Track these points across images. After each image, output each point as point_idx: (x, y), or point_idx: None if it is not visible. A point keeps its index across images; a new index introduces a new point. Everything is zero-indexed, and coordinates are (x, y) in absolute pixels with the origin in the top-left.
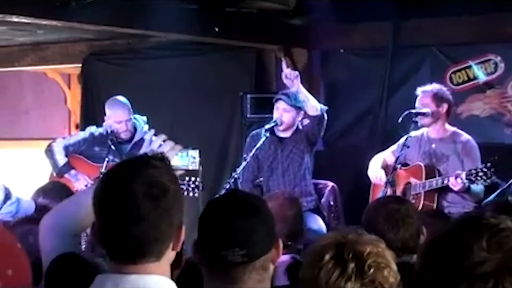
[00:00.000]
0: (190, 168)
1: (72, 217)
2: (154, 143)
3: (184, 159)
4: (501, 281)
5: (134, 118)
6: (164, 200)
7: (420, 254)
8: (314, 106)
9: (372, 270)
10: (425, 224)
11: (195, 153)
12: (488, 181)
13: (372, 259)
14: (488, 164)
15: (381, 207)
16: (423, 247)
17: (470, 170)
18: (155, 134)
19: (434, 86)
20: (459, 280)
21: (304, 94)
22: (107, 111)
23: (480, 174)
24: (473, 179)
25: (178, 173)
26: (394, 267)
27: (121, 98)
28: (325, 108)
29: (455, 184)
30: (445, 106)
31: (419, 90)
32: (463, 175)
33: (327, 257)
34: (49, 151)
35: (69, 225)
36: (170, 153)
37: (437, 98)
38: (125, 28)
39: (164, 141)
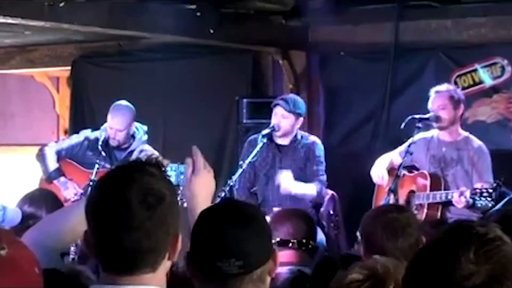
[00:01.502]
0: (180, 184)
1: (55, 233)
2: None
3: (171, 174)
4: None
5: (135, 127)
6: (160, 208)
7: (408, 265)
8: (311, 195)
9: None
10: (427, 234)
11: (183, 168)
12: (492, 202)
13: None
14: (494, 185)
15: (380, 215)
16: (412, 257)
17: (475, 189)
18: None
19: (448, 87)
20: None
21: (302, 193)
22: (109, 113)
23: (485, 194)
24: (477, 198)
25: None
26: None
27: (125, 105)
28: (323, 185)
29: (459, 202)
30: (461, 108)
31: (432, 91)
32: (467, 193)
33: None
34: (41, 155)
35: (51, 242)
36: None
37: (455, 99)
38: (116, 30)
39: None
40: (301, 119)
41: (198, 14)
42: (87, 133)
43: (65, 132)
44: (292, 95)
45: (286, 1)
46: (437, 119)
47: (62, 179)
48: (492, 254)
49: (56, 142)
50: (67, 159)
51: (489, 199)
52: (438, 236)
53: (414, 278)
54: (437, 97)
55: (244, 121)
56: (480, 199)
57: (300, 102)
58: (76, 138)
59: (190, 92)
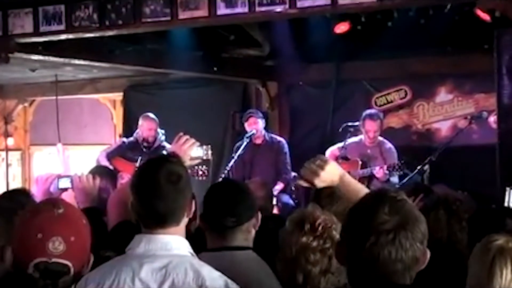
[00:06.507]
0: (205, 158)
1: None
2: (187, 138)
3: (200, 151)
4: (398, 235)
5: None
6: (179, 183)
7: (346, 216)
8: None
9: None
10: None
11: (208, 147)
12: (401, 172)
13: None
14: (401, 162)
15: (324, 188)
16: (347, 211)
17: (389, 165)
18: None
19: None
20: (370, 234)
21: None
22: (141, 120)
23: (396, 167)
24: (391, 170)
25: (196, 161)
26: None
27: (153, 116)
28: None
29: (379, 172)
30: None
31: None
32: (385, 167)
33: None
34: (96, 161)
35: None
36: (193, 145)
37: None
38: (152, 68)
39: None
40: (264, 120)
41: (207, 57)
42: (123, 139)
43: (119, 136)
44: (253, 109)
45: (264, 49)
46: (355, 127)
47: None
48: (399, 209)
49: (105, 148)
50: (116, 157)
51: (399, 170)
52: (366, 197)
53: (350, 224)
54: (371, 121)
55: (237, 127)
56: (394, 170)
57: (259, 112)
58: (116, 144)
59: (202, 109)
